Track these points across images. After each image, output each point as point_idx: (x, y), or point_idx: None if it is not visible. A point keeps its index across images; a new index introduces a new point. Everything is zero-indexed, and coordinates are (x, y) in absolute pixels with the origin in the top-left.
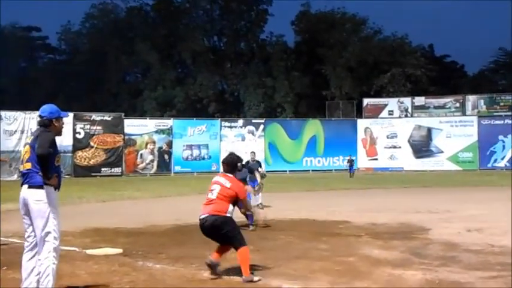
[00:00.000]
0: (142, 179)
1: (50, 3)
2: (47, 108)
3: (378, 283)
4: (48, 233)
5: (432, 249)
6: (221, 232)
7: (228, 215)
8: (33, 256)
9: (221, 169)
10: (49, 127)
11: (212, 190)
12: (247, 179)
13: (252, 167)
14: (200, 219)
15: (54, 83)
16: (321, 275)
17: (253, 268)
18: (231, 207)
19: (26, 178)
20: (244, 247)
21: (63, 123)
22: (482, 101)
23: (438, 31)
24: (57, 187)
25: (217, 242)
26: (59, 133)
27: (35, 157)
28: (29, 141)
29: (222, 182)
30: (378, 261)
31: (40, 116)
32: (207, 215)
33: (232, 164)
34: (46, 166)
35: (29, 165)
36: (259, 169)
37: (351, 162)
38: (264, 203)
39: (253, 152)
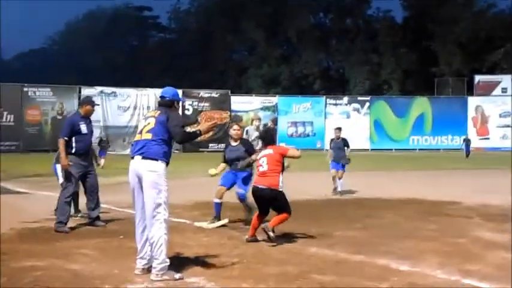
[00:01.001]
0: None
1: None
2: (170, 90)
3: (491, 267)
4: (159, 204)
5: None
6: (274, 203)
7: (280, 188)
8: (145, 227)
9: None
10: (171, 108)
11: (261, 164)
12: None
13: (335, 146)
14: (257, 188)
15: (164, 61)
16: (429, 256)
17: (359, 246)
18: (281, 178)
19: (140, 148)
20: (287, 214)
21: (179, 106)
22: None
23: None
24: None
25: (263, 209)
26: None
27: (159, 130)
28: (155, 115)
29: (266, 152)
30: (491, 244)
31: (162, 97)
32: (264, 187)
33: (267, 137)
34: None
35: (149, 136)
36: (346, 149)
37: (468, 142)
38: (362, 182)
39: (338, 129)
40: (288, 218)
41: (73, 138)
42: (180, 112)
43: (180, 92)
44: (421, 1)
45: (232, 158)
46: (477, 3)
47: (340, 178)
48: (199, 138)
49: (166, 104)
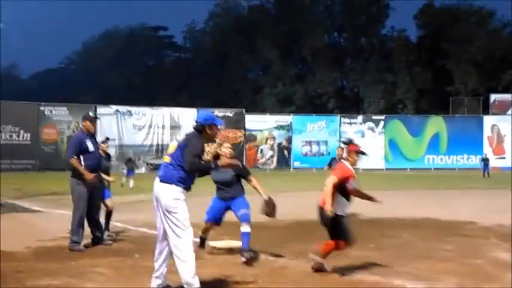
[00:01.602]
0: (262, 174)
1: (177, 3)
2: (202, 114)
3: None
4: (177, 226)
5: None
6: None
7: (328, 211)
8: (165, 247)
9: None
10: (201, 133)
11: None
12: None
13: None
14: None
15: (180, 80)
16: (446, 276)
17: (374, 266)
18: (336, 200)
19: (160, 171)
20: (336, 243)
21: (218, 130)
22: None
23: None
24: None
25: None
26: (211, 139)
27: (176, 154)
28: (181, 139)
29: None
30: (508, 265)
31: (196, 121)
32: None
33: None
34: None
35: (168, 159)
36: None
37: (486, 161)
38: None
39: (340, 148)
40: (337, 248)
41: (81, 157)
42: None
43: (194, 110)
44: (436, 20)
45: (217, 179)
46: (491, 23)
47: None
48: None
49: (197, 129)
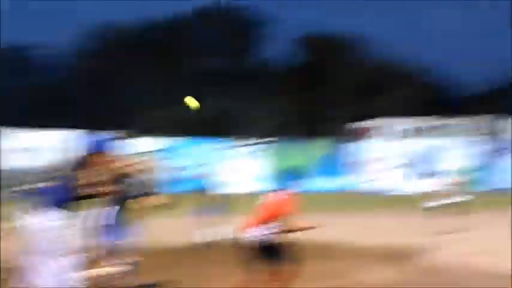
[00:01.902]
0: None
1: (55, 23)
2: (90, 139)
3: None
4: (56, 254)
5: (434, 275)
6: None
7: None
8: (39, 276)
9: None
10: (88, 159)
11: None
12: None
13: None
14: None
15: (64, 102)
16: None
17: None
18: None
19: (41, 195)
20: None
21: (105, 157)
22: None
23: (443, 51)
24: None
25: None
26: (99, 166)
27: (60, 179)
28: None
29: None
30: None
31: (85, 146)
32: None
33: None
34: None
35: (51, 184)
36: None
37: (365, 183)
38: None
39: (224, 169)
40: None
41: None
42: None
43: (76, 133)
44: (315, 47)
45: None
46: (363, 51)
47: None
48: None
49: (85, 154)
